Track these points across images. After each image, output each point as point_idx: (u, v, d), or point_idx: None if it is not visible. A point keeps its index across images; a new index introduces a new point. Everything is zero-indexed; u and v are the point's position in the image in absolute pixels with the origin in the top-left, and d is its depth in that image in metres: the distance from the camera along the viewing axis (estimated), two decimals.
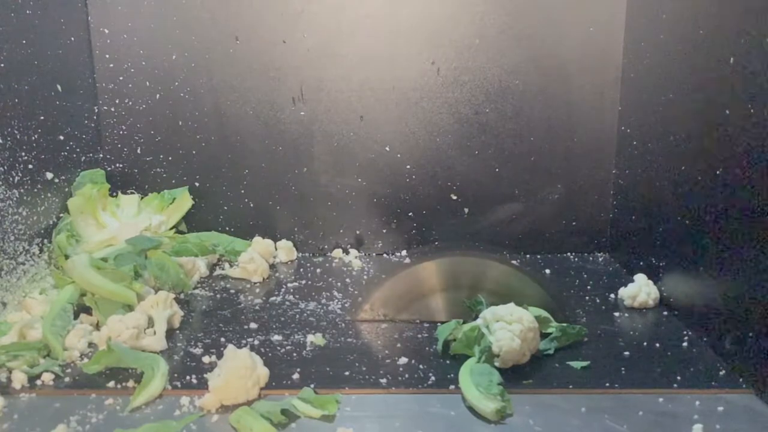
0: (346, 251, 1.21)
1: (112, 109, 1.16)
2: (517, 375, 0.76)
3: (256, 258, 1.10)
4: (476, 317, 0.83)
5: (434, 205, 1.19)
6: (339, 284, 1.06)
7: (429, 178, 1.18)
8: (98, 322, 0.88)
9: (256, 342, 0.86)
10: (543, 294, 0.89)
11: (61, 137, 1.04)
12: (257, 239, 1.17)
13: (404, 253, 1.21)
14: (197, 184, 1.19)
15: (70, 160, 1.07)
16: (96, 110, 1.15)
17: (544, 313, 0.85)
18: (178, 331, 0.89)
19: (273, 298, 1.01)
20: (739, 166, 0.76)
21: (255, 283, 1.08)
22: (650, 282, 0.97)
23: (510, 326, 0.76)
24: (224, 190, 1.19)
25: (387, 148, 1.17)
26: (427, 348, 0.84)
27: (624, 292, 0.98)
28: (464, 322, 0.83)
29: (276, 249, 1.19)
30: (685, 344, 0.84)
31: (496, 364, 0.76)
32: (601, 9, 1.11)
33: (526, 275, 0.92)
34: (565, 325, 0.84)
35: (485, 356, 0.76)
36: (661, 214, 0.97)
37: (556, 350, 0.82)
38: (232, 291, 1.04)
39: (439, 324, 0.87)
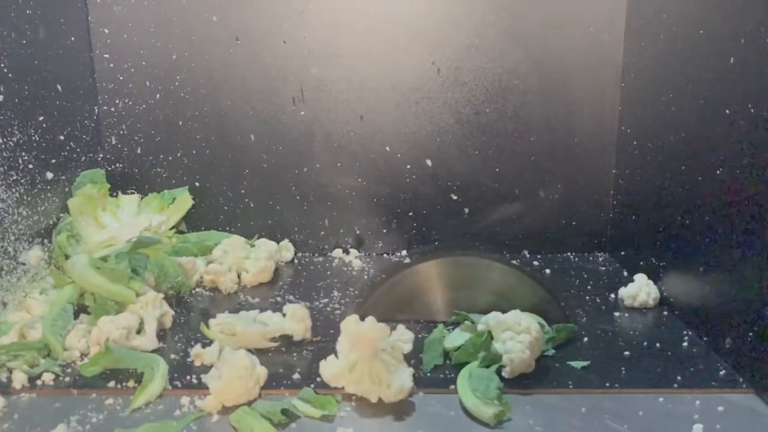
0: (346, 251, 1.21)
1: (112, 109, 1.16)
2: (517, 375, 0.75)
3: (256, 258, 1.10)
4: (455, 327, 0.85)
5: (434, 205, 1.19)
6: (339, 284, 1.06)
7: (429, 178, 1.18)
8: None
9: None
10: (543, 294, 0.89)
11: (61, 137, 1.04)
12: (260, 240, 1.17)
13: (404, 253, 1.21)
14: (197, 184, 1.19)
15: (70, 160, 1.07)
16: (96, 110, 1.15)
17: (539, 320, 0.85)
18: (178, 331, 0.89)
19: (273, 298, 1.01)
20: (739, 166, 0.76)
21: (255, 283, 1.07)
22: (650, 282, 0.97)
23: (519, 336, 0.76)
24: (224, 190, 1.19)
25: (387, 148, 1.17)
26: None
27: (624, 292, 0.98)
28: (449, 327, 0.85)
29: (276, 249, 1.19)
30: (685, 344, 0.84)
31: (504, 374, 0.74)
32: (601, 9, 1.11)
33: (526, 275, 0.91)
34: (555, 325, 0.84)
35: (489, 361, 0.75)
36: (661, 214, 0.97)
37: (556, 350, 0.82)
38: (232, 291, 1.04)
39: (436, 325, 0.87)
